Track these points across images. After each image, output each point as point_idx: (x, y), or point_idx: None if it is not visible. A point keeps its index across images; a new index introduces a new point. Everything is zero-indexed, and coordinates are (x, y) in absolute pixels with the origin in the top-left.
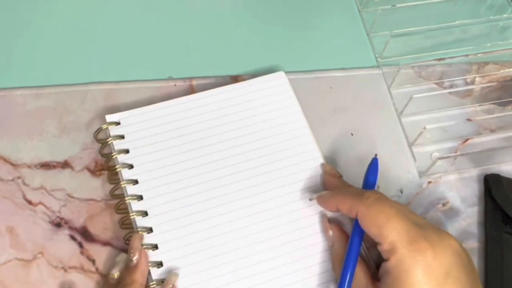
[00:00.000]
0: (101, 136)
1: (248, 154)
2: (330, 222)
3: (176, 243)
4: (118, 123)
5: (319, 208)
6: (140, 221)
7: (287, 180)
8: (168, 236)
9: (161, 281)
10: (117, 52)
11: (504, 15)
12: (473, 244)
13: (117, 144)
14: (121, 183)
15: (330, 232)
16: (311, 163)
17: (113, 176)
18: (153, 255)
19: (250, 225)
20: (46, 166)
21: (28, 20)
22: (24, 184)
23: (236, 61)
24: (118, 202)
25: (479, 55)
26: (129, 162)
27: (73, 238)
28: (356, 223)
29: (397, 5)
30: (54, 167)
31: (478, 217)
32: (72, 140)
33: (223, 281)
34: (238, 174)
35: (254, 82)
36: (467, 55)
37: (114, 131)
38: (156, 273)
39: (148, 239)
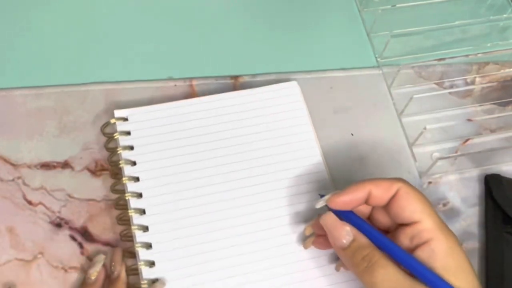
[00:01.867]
0: (107, 130)
1: (253, 162)
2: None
3: (171, 244)
4: (126, 119)
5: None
6: (137, 219)
7: (291, 190)
8: (163, 237)
9: (152, 282)
10: (117, 52)
11: (504, 15)
12: (474, 245)
13: (123, 140)
14: (123, 178)
15: (348, 228)
16: (316, 176)
17: (116, 172)
18: (146, 254)
19: (249, 233)
20: (46, 166)
21: (28, 20)
22: (24, 184)
23: (236, 62)
24: (117, 198)
25: (479, 55)
26: (133, 159)
27: (73, 238)
28: (351, 215)
29: (397, 5)
30: (54, 167)
31: (479, 217)
32: (72, 140)
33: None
34: (239, 181)
35: (265, 90)
36: (467, 55)
37: (121, 126)
38: (147, 273)
39: (142, 237)
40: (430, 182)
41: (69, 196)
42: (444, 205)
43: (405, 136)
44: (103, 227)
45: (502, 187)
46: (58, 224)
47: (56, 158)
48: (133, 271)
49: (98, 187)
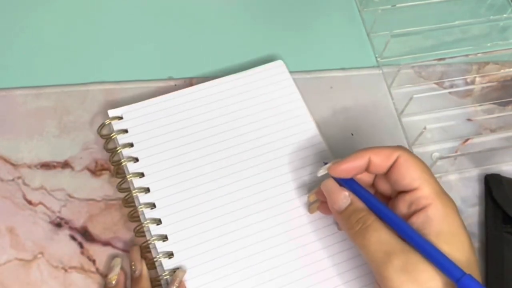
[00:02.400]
0: (104, 131)
1: (253, 143)
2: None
3: (186, 233)
4: (120, 118)
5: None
6: (148, 213)
7: (294, 165)
8: (177, 227)
9: (173, 271)
10: (117, 52)
11: (504, 15)
12: (474, 245)
13: (121, 139)
14: (127, 176)
15: (346, 193)
16: (315, 148)
17: (119, 171)
18: (163, 246)
19: (260, 212)
20: (46, 166)
21: (28, 20)
22: (24, 184)
23: (236, 62)
24: (125, 196)
25: (479, 55)
26: (134, 155)
27: (73, 238)
28: (351, 182)
29: (397, 5)
30: (54, 167)
31: (479, 217)
32: (72, 140)
33: (230, 272)
34: (243, 163)
35: (253, 72)
36: (467, 55)
37: (117, 125)
38: (167, 264)
39: (157, 230)
40: None
41: (69, 196)
42: None
43: (405, 136)
44: (103, 227)
45: (502, 187)
46: (58, 224)
47: (56, 158)
48: (152, 265)
49: (98, 187)
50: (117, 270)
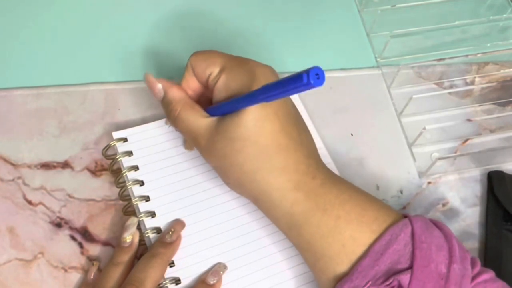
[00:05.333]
0: (109, 152)
1: None
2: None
3: (194, 259)
4: (125, 140)
5: None
6: (154, 238)
7: None
8: (186, 252)
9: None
10: (117, 52)
11: (504, 15)
12: (473, 245)
13: (126, 161)
14: (133, 200)
15: (159, 85)
16: None
17: (123, 194)
18: (170, 272)
19: (261, 238)
20: (46, 166)
21: (28, 20)
22: (24, 184)
23: None
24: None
25: (479, 55)
26: (140, 178)
27: (73, 238)
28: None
29: (397, 5)
30: (54, 167)
31: (478, 218)
32: (72, 140)
33: (234, 278)
34: None
35: None
36: (467, 55)
37: (122, 147)
38: (167, 272)
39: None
40: (429, 182)
41: (69, 196)
42: (444, 205)
43: (405, 136)
44: (103, 227)
45: (504, 184)
46: (58, 224)
47: (56, 158)
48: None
49: (98, 187)
50: (132, 229)
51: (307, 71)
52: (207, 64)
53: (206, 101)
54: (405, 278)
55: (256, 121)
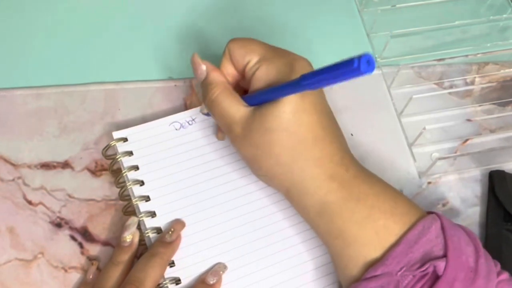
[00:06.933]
0: (109, 152)
1: None
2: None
3: (194, 259)
4: (125, 139)
5: None
6: (155, 238)
7: None
8: (186, 252)
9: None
10: (117, 52)
11: (504, 15)
12: None
13: (126, 161)
14: (133, 200)
15: (203, 66)
16: None
17: (123, 193)
18: (170, 272)
19: (261, 238)
20: (46, 166)
21: (28, 20)
22: (25, 184)
23: None
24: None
25: (479, 55)
26: (140, 178)
27: (73, 238)
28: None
29: (397, 5)
30: (54, 167)
31: (479, 218)
32: (72, 140)
33: (234, 279)
34: (248, 186)
35: None
36: (467, 55)
37: (122, 147)
38: (168, 272)
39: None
40: (429, 182)
41: (69, 196)
42: (444, 205)
43: (405, 136)
44: (103, 227)
45: (505, 184)
46: (58, 224)
47: (56, 158)
48: None
49: (98, 187)
50: (132, 229)
51: (359, 57)
52: (246, 51)
53: (239, 89)
54: (441, 264)
55: (294, 112)
